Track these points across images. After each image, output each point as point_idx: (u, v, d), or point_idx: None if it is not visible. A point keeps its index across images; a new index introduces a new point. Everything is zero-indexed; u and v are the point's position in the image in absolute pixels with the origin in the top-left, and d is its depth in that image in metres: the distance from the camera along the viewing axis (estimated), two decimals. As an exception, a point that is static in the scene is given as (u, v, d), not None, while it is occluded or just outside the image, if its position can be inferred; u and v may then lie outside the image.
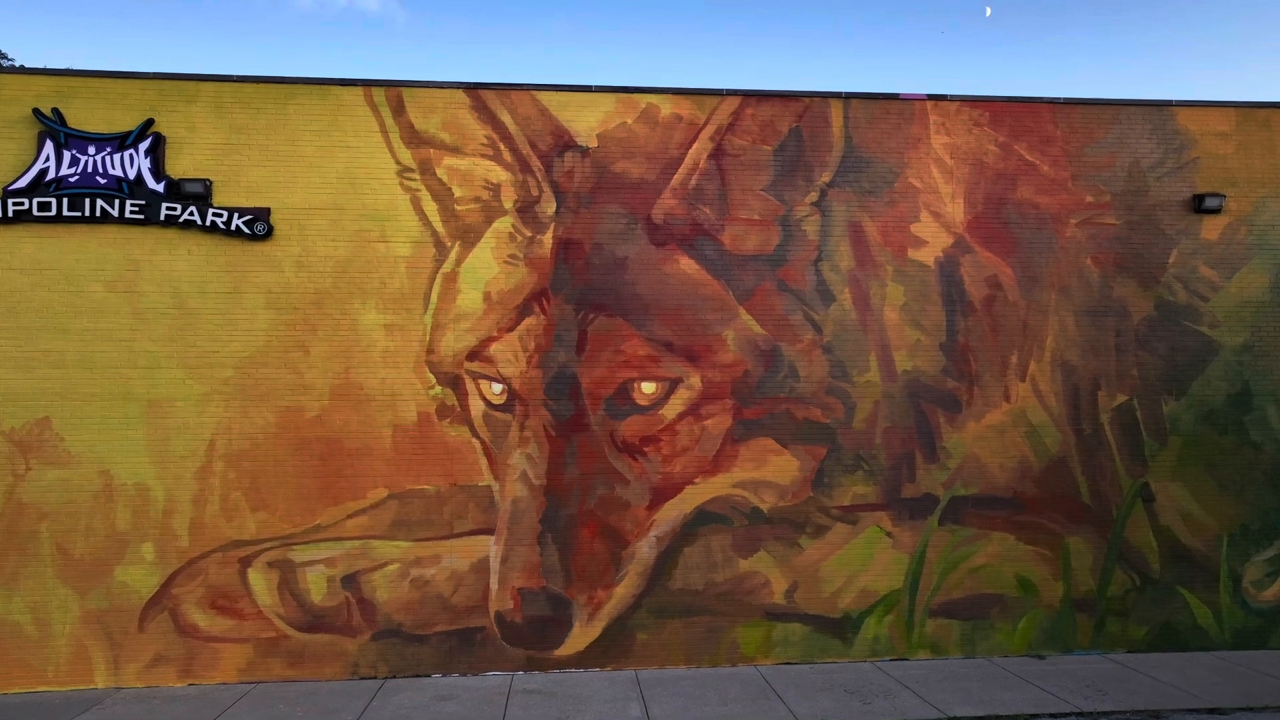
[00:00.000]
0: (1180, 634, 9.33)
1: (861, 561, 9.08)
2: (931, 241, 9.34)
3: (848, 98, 9.35)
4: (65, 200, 8.38)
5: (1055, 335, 9.41)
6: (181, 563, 8.43)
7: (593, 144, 9.04)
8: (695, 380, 8.96)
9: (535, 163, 8.97)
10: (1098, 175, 9.56)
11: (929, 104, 9.46)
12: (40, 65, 8.27)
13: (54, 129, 8.41)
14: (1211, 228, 9.62)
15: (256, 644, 8.45)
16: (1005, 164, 9.48)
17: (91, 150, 8.47)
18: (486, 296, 8.84)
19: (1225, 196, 9.56)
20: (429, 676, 8.55)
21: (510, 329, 8.83)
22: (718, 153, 9.15)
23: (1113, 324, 9.49)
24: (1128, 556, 9.34)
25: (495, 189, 8.93)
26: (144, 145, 8.52)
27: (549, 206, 8.97)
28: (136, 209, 8.47)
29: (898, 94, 9.44)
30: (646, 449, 8.89)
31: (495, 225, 8.90)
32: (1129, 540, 9.35)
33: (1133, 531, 9.36)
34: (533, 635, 8.68)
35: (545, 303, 8.88)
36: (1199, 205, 9.53)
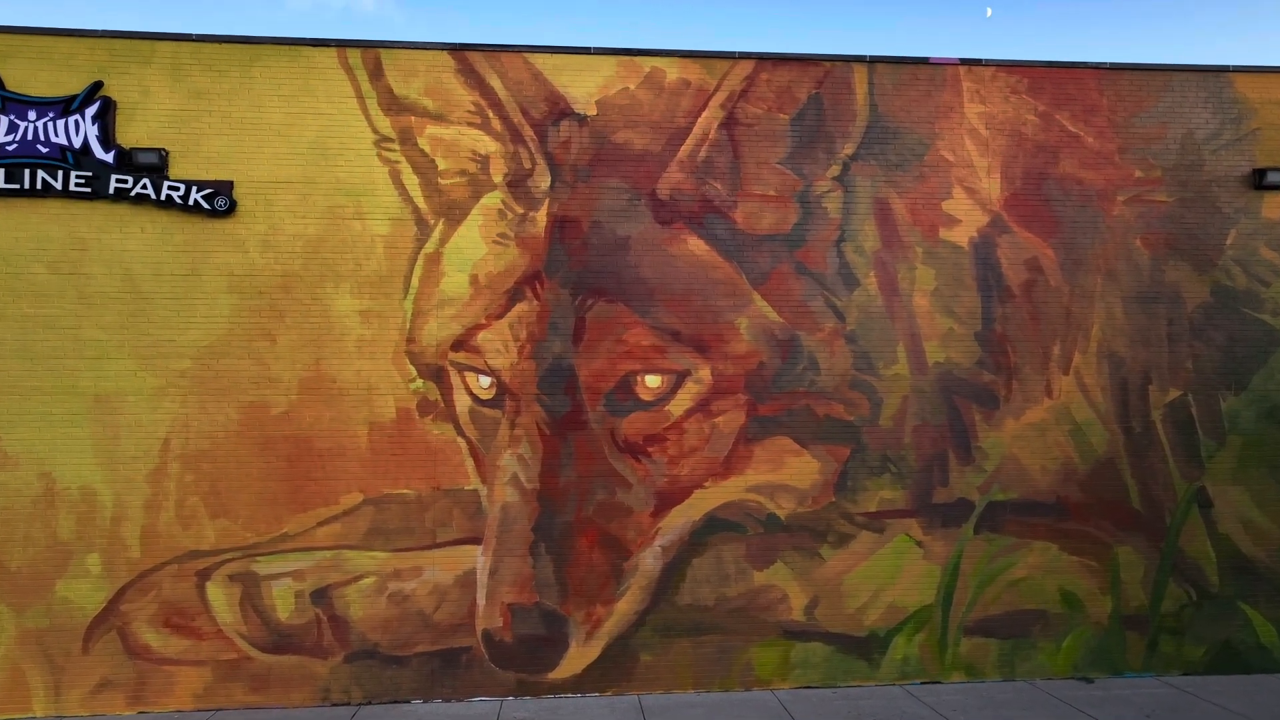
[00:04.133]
0: (1242, 654, 8.50)
1: (889, 574, 8.27)
2: (965, 220, 8.52)
3: (872, 62, 8.53)
4: (2, 171, 7.54)
5: (1101, 324, 8.58)
6: (132, 576, 7.64)
7: (591, 112, 8.22)
8: (705, 373, 8.16)
9: (528, 132, 8.16)
10: (1147, 148, 8.72)
11: (961, 69, 8.63)
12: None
13: (-10, 92, 7.60)
14: (1273, 206, 8.78)
15: (216, 667, 7.67)
16: (1046, 135, 8.65)
17: (32, 115, 7.63)
18: (473, 280, 8.04)
19: (1289, 171, 8.73)
20: (408, 703, 7.78)
21: (500, 316, 8.04)
22: (729, 122, 8.33)
23: (1164, 311, 8.65)
24: (1183, 568, 8.50)
25: (483, 161, 8.12)
26: (91, 110, 7.69)
27: (543, 180, 8.16)
28: (83, 181, 7.64)
29: (927, 58, 8.61)
30: (651, 449, 8.10)
31: (483, 201, 8.09)
32: (1184, 550, 8.52)
33: (1188, 541, 8.53)
34: (524, 656, 7.90)
35: (539, 287, 8.08)
36: (1260, 181, 8.69)
